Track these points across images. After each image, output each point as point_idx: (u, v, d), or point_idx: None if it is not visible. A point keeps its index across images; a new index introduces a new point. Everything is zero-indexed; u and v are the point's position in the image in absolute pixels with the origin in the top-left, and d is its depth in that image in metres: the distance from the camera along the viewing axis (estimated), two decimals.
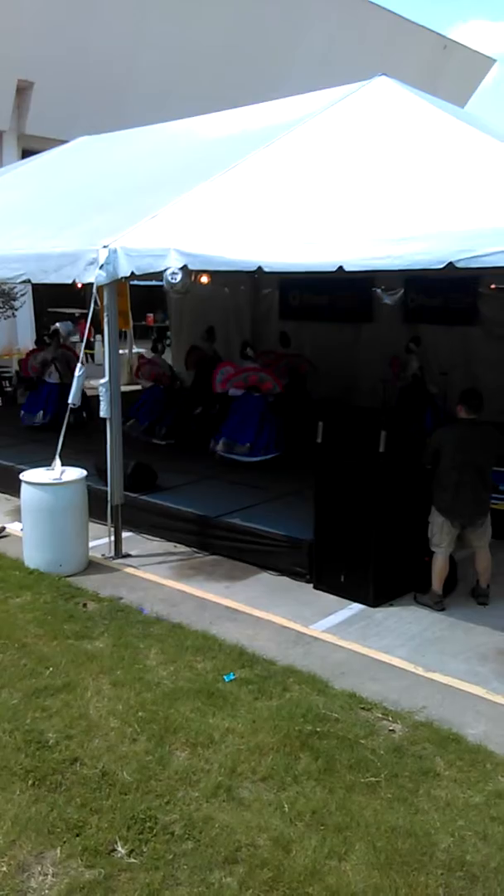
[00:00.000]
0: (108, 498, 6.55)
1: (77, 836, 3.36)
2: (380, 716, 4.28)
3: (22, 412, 10.66)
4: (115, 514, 6.61)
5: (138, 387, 10.86)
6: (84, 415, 9.08)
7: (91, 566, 6.44)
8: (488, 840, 3.37)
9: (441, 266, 4.58)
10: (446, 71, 21.96)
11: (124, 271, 6.21)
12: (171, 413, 9.92)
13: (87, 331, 6.93)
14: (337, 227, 5.33)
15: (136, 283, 8.09)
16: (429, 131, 6.19)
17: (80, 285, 6.91)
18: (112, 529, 6.63)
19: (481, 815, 3.51)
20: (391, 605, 5.73)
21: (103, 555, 6.63)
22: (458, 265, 4.52)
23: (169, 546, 6.96)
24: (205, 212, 6.39)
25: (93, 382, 7.08)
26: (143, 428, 9.72)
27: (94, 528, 6.60)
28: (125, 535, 6.80)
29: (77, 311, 20.25)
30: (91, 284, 6.43)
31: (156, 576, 6.30)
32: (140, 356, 10.35)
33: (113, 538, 6.65)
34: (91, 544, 6.56)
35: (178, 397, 10.19)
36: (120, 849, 3.29)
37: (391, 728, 4.18)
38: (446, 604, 5.66)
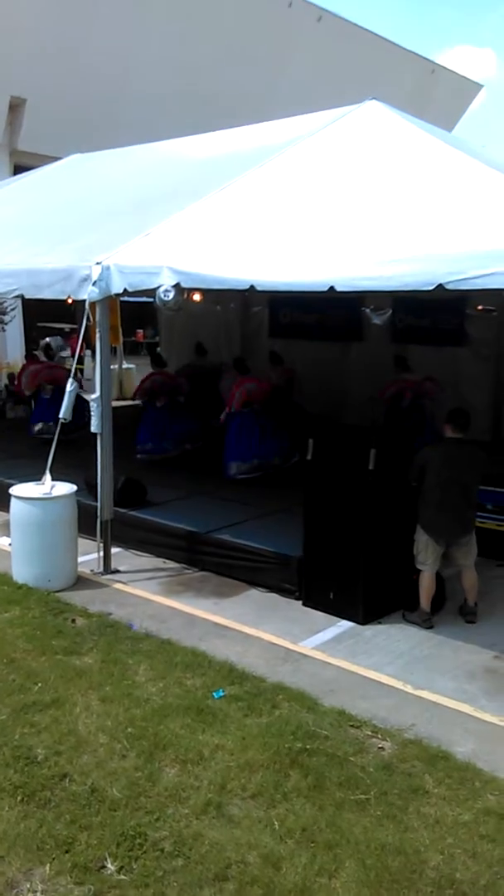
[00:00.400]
0: (98, 513, 6.55)
1: (66, 852, 3.34)
2: (369, 733, 4.29)
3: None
4: (104, 529, 6.61)
5: (127, 402, 10.81)
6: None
7: (80, 581, 6.43)
8: (477, 858, 3.38)
9: (431, 288, 4.65)
10: (434, 96, 22.35)
11: (117, 288, 6.26)
12: (181, 428, 9.82)
13: (80, 346, 6.96)
14: (328, 247, 5.41)
15: (126, 299, 8.13)
16: (418, 155, 6.30)
17: (71, 301, 6.95)
18: (101, 545, 6.62)
19: (470, 833, 3.52)
20: (380, 622, 5.75)
21: (92, 570, 6.62)
22: (448, 287, 4.59)
23: (158, 562, 6.96)
24: (198, 230, 6.46)
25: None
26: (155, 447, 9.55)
27: (83, 543, 6.59)
28: (114, 550, 6.79)
29: (67, 326, 20.31)
30: (83, 300, 6.47)
31: (145, 591, 6.30)
32: (159, 372, 10.07)
33: (102, 553, 6.64)
34: (80, 559, 6.55)
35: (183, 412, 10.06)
36: (109, 865, 3.27)
37: (380, 745, 4.19)
38: (434, 621, 5.69)
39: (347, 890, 3.18)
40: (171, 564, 6.89)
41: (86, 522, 6.56)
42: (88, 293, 6.34)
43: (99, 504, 6.55)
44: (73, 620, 5.65)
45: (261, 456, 8.70)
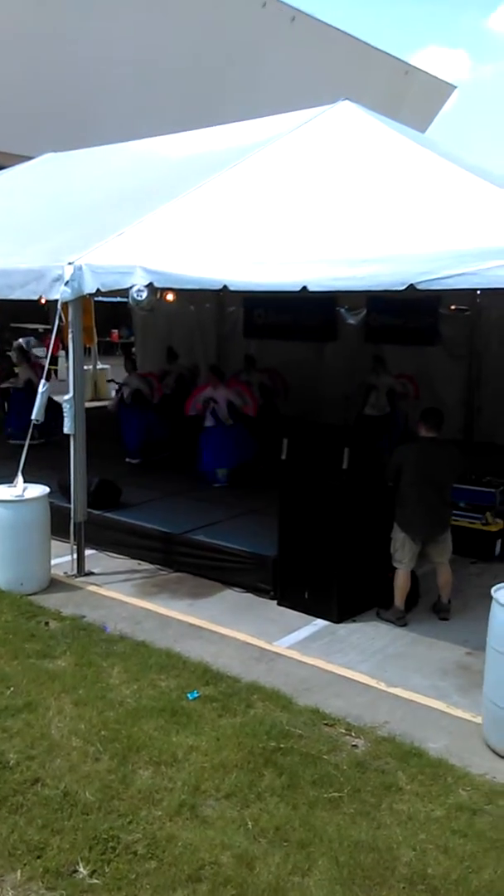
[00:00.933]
0: (72, 515, 6.50)
1: (38, 857, 3.31)
2: (343, 731, 4.31)
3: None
4: (77, 531, 6.56)
5: (101, 403, 10.73)
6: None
7: (53, 584, 6.38)
8: (449, 853, 3.40)
9: (402, 287, 4.69)
10: (408, 97, 22.46)
11: (90, 288, 6.23)
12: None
13: (53, 346, 6.91)
14: (301, 247, 5.42)
15: (100, 299, 8.09)
16: (391, 156, 6.33)
17: (44, 301, 6.90)
18: (75, 547, 6.58)
19: (442, 829, 3.55)
20: (354, 621, 5.78)
21: (66, 573, 6.57)
22: (419, 287, 4.63)
23: (132, 563, 6.92)
24: (171, 230, 6.44)
25: (56, 398, 7.06)
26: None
27: (56, 545, 6.54)
28: (88, 552, 6.75)
29: (40, 327, 20.14)
30: (56, 300, 6.42)
31: (119, 593, 6.27)
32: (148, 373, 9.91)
33: (76, 556, 6.59)
34: (53, 562, 6.50)
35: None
36: (82, 870, 3.25)
37: (354, 743, 4.20)
38: (408, 619, 5.72)
39: (321, 888, 3.19)
40: (146, 566, 6.87)
41: (59, 524, 6.51)
42: (61, 293, 6.30)
43: (72, 506, 6.50)
44: (47, 623, 5.60)
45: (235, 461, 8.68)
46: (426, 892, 3.19)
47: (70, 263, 6.28)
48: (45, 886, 3.17)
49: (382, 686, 4.85)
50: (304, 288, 5.04)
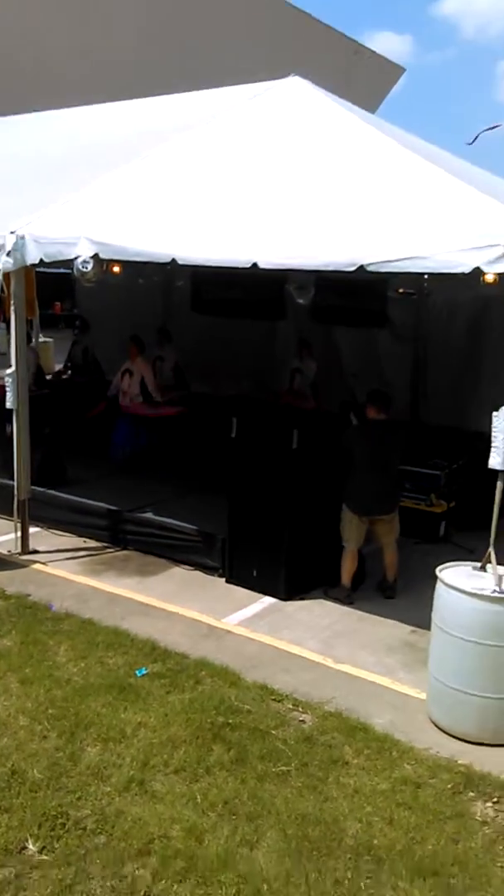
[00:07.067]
0: (15, 492, 6.38)
1: None
2: (290, 707, 4.36)
3: None
4: (21, 508, 6.44)
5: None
6: None
7: None
8: (394, 824, 3.50)
9: (352, 269, 4.71)
10: (358, 76, 22.41)
11: (32, 258, 6.06)
12: None
13: None
14: (251, 224, 5.38)
15: (43, 269, 7.85)
16: (341, 134, 6.30)
17: None
18: (18, 524, 6.46)
19: (388, 801, 3.64)
20: (302, 598, 5.84)
21: (9, 551, 6.45)
22: (369, 269, 4.65)
23: (79, 541, 6.84)
24: (117, 200, 6.29)
25: None
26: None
27: None
28: (33, 530, 6.64)
29: None
30: None
31: (65, 571, 6.19)
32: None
33: (20, 534, 6.48)
34: None
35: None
36: (31, 846, 3.23)
37: (301, 719, 4.27)
38: (355, 598, 5.81)
39: (269, 859, 3.24)
40: (93, 543, 6.79)
41: (2, 502, 6.37)
42: (2, 263, 6.11)
43: (15, 483, 6.37)
44: None
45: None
46: (372, 862, 3.28)
47: (12, 232, 6.08)
48: None
49: (330, 662, 4.92)
50: (255, 265, 5.02)
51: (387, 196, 5.22)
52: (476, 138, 17.22)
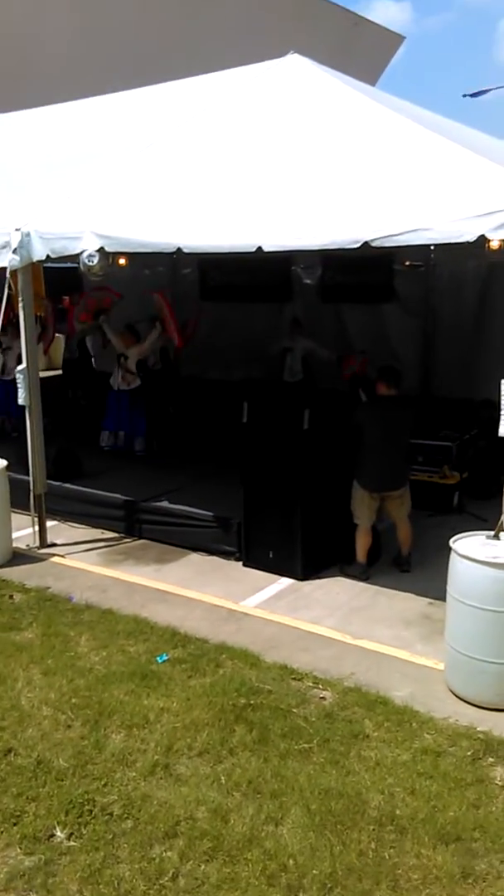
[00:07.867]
0: (31, 487, 6.44)
1: (14, 825, 3.35)
2: (310, 685, 4.40)
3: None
4: (38, 503, 6.51)
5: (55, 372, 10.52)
6: None
7: (16, 557, 6.34)
8: (416, 794, 3.53)
9: (357, 245, 4.69)
10: (357, 48, 22.06)
11: (39, 254, 6.09)
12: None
13: (3, 316, 6.75)
14: (254, 207, 5.35)
15: (50, 264, 7.87)
16: (343, 111, 6.23)
17: None
18: (35, 519, 6.53)
19: (409, 772, 3.67)
20: (319, 577, 5.87)
21: (28, 545, 6.54)
22: (373, 244, 4.63)
23: (96, 533, 6.91)
24: (120, 192, 6.29)
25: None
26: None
27: (17, 518, 6.49)
28: (50, 524, 6.72)
29: None
30: (3, 269, 6.26)
31: (83, 563, 6.26)
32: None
33: (37, 528, 6.55)
34: (14, 535, 6.46)
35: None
36: (59, 833, 3.30)
37: (322, 696, 4.30)
38: (371, 573, 5.83)
39: (293, 835, 3.29)
40: (110, 534, 6.86)
41: (19, 497, 6.45)
42: (9, 261, 6.14)
43: (31, 477, 6.44)
44: (11, 597, 5.58)
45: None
46: (395, 832, 3.31)
47: (17, 230, 6.11)
48: (24, 852, 3.21)
49: (348, 639, 4.95)
50: (260, 248, 5.01)
51: (389, 169, 5.17)
52: (480, 93, 16.83)
